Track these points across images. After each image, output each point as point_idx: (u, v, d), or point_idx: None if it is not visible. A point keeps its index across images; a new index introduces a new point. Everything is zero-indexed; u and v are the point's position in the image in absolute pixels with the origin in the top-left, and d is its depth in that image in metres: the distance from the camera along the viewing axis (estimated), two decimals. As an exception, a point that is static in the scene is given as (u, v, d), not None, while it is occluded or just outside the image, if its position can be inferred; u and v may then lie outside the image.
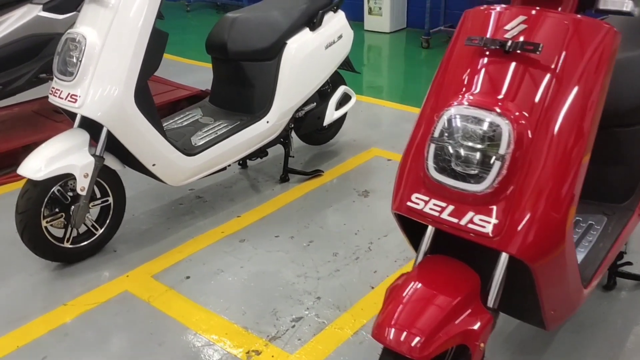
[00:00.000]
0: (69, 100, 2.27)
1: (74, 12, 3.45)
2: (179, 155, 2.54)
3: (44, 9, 3.36)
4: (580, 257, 1.74)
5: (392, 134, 3.81)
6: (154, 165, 2.48)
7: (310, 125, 3.22)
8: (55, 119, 3.67)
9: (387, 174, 3.26)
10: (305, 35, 2.99)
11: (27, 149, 3.39)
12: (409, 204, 1.45)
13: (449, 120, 1.37)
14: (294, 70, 2.93)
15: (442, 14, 6.03)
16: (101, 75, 2.25)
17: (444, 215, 1.39)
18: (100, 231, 2.52)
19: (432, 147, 1.39)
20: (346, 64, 3.33)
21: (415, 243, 1.58)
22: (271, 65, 2.89)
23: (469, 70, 1.43)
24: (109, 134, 2.33)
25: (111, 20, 2.27)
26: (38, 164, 2.24)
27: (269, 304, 2.24)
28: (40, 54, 3.41)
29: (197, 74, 4.95)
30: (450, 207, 1.38)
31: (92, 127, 2.36)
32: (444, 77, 1.49)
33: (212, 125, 2.84)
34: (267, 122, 2.88)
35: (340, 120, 3.52)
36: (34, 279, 2.40)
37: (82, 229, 2.46)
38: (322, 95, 3.24)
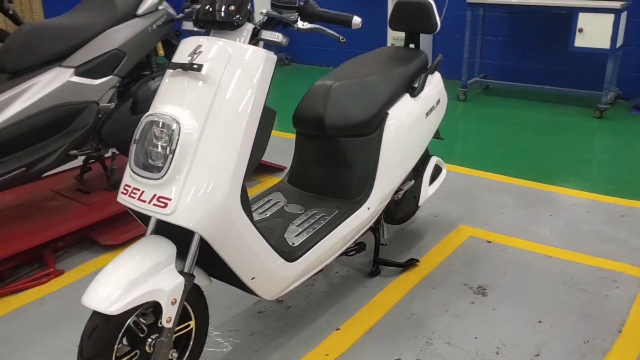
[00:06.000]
0: (155, 205, 1.69)
1: (111, 77, 2.89)
2: (281, 262, 1.98)
3: (76, 74, 2.77)
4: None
5: (473, 206, 3.31)
6: (253, 278, 1.90)
7: (406, 206, 2.69)
8: (83, 202, 3.05)
9: (496, 262, 2.74)
10: (406, 102, 2.50)
11: (54, 244, 2.79)
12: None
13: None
14: (396, 145, 2.42)
15: (477, 64, 5.66)
16: (201, 171, 1.69)
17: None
18: (180, 366, 1.92)
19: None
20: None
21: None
22: (371, 141, 2.38)
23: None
24: (202, 243, 1.76)
25: (212, 98, 1.72)
26: (112, 292, 1.64)
27: None
28: (69, 127, 2.80)
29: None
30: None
31: (169, 230, 1.79)
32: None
33: (303, 217, 2.28)
34: (368, 208, 2.34)
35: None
36: None
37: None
38: (414, 170, 2.74)
